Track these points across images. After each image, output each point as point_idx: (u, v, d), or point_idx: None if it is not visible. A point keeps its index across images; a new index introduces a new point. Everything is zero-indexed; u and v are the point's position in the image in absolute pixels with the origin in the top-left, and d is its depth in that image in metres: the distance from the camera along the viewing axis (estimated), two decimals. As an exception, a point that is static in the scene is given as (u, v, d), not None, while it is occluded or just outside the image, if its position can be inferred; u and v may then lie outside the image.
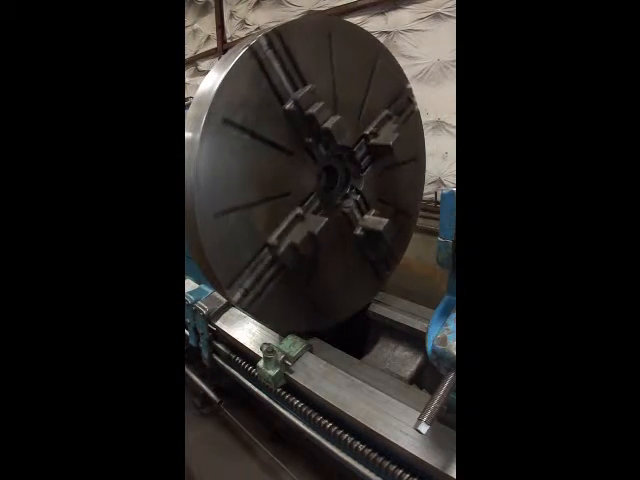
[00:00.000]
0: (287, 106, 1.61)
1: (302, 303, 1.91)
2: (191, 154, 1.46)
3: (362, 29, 1.97)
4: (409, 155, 2.15)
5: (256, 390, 2.00)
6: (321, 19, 1.67)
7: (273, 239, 1.66)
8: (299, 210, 1.72)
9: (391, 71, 2.02)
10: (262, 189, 1.63)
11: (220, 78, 1.46)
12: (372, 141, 1.89)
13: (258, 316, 1.84)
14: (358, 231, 1.94)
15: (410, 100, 2.13)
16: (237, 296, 1.65)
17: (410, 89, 2.13)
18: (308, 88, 1.63)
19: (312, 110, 1.62)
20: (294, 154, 1.70)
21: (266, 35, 1.52)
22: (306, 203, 1.77)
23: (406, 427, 1.40)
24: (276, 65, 1.56)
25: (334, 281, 2.01)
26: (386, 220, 1.88)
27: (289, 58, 1.60)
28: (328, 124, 1.64)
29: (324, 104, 1.64)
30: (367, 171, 1.98)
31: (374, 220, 1.93)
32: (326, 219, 1.72)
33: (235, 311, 2.22)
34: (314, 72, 1.67)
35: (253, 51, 1.50)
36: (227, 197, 1.54)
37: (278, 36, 1.55)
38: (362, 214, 1.97)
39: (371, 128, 1.91)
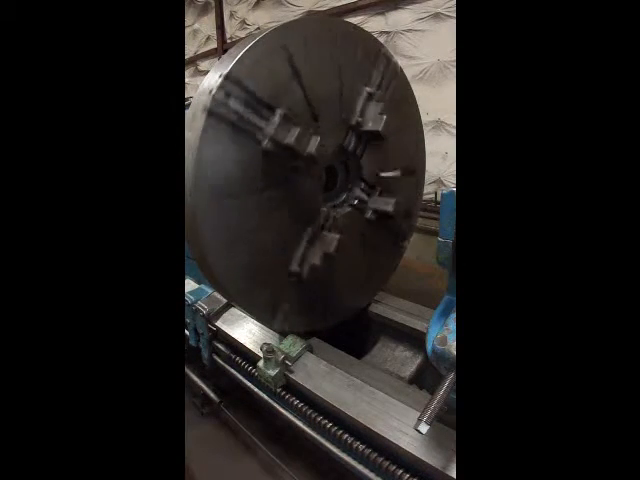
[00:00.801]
0: (264, 145, 1.54)
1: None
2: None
3: (318, 20, 1.86)
4: (400, 122, 2.06)
5: (256, 390, 2.00)
6: (270, 36, 1.51)
7: (295, 267, 1.75)
8: (310, 231, 1.75)
9: (358, 45, 1.82)
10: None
11: (193, 160, 1.42)
12: (361, 129, 1.83)
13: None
14: (369, 214, 1.95)
15: (388, 60, 1.94)
16: (278, 323, 1.80)
17: (385, 51, 1.94)
18: (278, 116, 1.55)
19: (289, 140, 1.55)
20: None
21: (218, 90, 1.42)
22: (315, 222, 1.81)
23: (406, 427, 1.40)
24: (238, 109, 1.47)
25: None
26: (393, 200, 1.90)
27: (248, 95, 1.49)
28: (310, 149, 1.59)
29: (300, 130, 1.56)
30: (364, 156, 1.93)
31: (382, 201, 1.94)
32: (338, 236, 1.75)
33: (235, 311, 2.23)
34: (280, 92, 1.57)
35: (212, 113, 1.42)
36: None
37: (232, 81, 1.44)
38: (369, 195, 1.97)
39: (356, 116, 1.81)
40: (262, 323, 2.02)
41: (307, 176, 1.73)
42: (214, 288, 1.75)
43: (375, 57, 1.89)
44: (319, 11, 4.10)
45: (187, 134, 1.46)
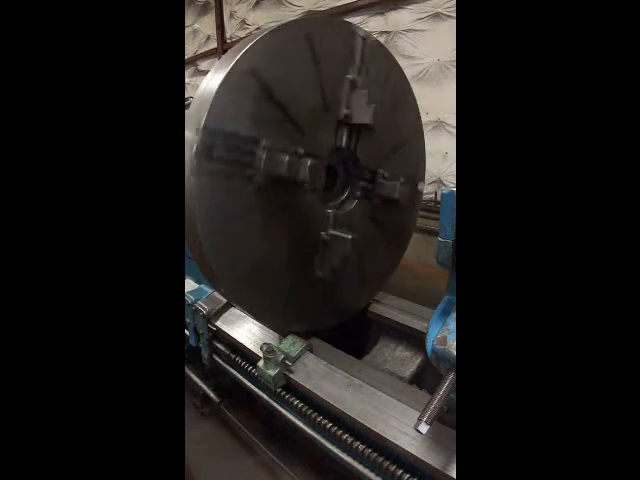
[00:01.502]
0: (256, 183, 1.53)
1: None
2: None
3: (279, 30, 1.56)
4: (390, 99, 2.01)
5: (256, 390, 2.00)
6: (234, 71, 1.41)
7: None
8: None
9: (330, 36, 1.70)
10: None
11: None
12: (350, 122, 1.77)
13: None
14: (375, 200, 1.97)
15: (363, 39, 1.80)
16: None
17: (358, 30, 1.80)
18: (262, 149, 1.51)
19: (280, 171, 1.53)
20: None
21: (199, 147, 1.38)
22: (325, 226, 1.82)
23: (406, 427, 1.40)
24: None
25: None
26: (397, 183, 1.92)
27: (229, 137, 1.44)
28: (303, 175, 1.55)
29: (289, 159, 1.52)
30: (358, 147, 1.89)
31: (388, 185, 1.95)
32: (350, 237, 1.75)
33: (235, 311, 2.23)
34: (259, 120, 1.50)
35: (200, 173, 1.39)
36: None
37: (209, 132, 1.39)
38: (372, 182, 1.97)
39: (343, 109, 1.74)
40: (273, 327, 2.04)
41: (305, 193, 1.73)
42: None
43: (350, 40, 1.76)
44: (319, 11, 4.11)
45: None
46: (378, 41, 1.95)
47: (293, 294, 1.85)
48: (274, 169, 1.54)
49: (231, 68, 1.41)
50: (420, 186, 2.24)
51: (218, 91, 1.39)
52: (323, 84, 1.68)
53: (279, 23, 1.55)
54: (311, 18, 1.83)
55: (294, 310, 1.89)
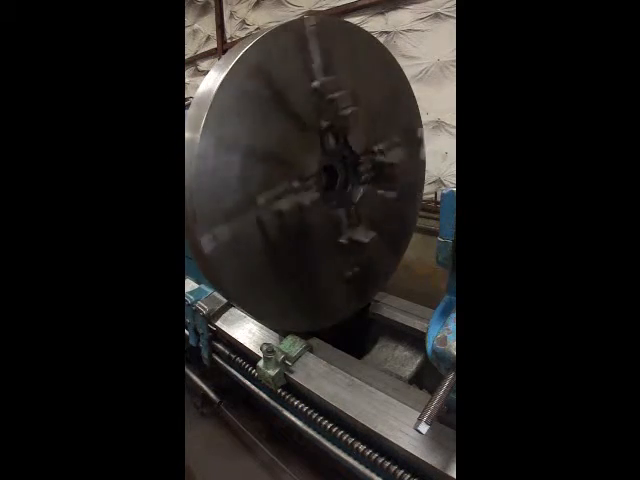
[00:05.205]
0: (314, 84, 1.65)
1: (295, 299, 1.92)
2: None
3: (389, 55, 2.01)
4: (406, 188, 2.16)
5: (256, 390, 2.00)
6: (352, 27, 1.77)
7: (262, 199, 1.59)
8: (296, 183, 1.69)
9: (409, 106, 2.09)
10: (267, 149, 1.60)
11: (259, 36, 1.50)
12: (378, 158, 1.91)
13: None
14: (343, 239, 1.91)
15: (420, 142, 2.18)
16: (206, 239, 1.53)
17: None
18: (334, 77, 1.68)
19: (335, 95, 1.67)
20: (307, 131, 1.71)
21: (310, 18, 1.58)
22: (305, 182, 1.74)
23: (406, 427, 1.40)
24: (314, 45, 1.61)
25: (328, 280, 2.00)
26: (373, 233, 1.91)
27: (327, 44, 1.65)
28: (346, 111, 1.69)
29: (346, 92, 1.69)
30: (366, 187, 1.98)
31: (361, 231, 1.94)
32: (319, 194, 1.76)
33: (235, 311, 2.23)
34: (341, 70, 1.72)
35: (296, 27, 1.57)
36: (231, 141, 1.50)
37: (321, 25, 1.61)
38: (350, 225, 1.94)
39: (381, 146, 1.93)
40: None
41: (320, 143, 1.76)
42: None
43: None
44: (318, 11, 4.10)
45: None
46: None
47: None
48: (331, 90, 1.67)
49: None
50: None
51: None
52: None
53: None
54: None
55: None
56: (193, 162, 1.41)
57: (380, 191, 2.03)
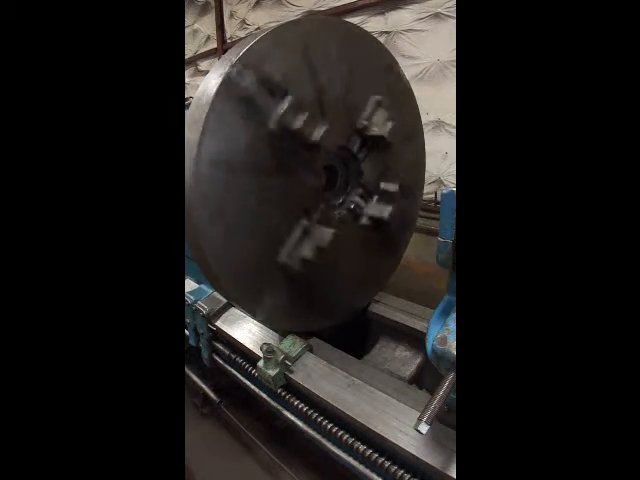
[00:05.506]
0: (271, 127, 1.54)
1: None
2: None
3: (337, 23, 1.88)
4: (404, 134, 2.07)
5: (256, 390, 2.00)
6: (289, 28, 1.56)
7: (284, 258, 1.67)
8: (305, 222, 1.72)
9: (373, 55, 1.90)
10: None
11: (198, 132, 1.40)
12: (366, 134, 1.84)
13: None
14: (364, 220, 1.94)
15: (400, 77, 2.02)
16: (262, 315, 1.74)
17: (396, 65, 2.00)
18: (287, 102, 1.54)
19: (296, 125, 1.56)
20: (289, 173, 1.67)
21: (234, 65, 1.43)
22: (312, 216, 1.77)
23: (406, 427, 1.40)
24: (249, 83, 1.48)
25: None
26: (390, 207, 1.90)
27: (263, 76, 1.50)
28: (316, 137, 1.60)
29: (307, 116, 1.57)
30: (366, 161, 1.93)
31: (379, 208, 1.93)
32: (332, 231, 1.72)
33: (235, 311, 2.23)
34: (294, 81, 1.58)
35: (228, 86, 1.43)
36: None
37: (249, 62, 1.46)
38: (366, 202, 1.96)
39: (363, 121, 1.82)
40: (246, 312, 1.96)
41: (309, 170, 1.73)
42: (208, 279, 1.70)
43: (387, 69, 1.94)
44: (319, 11, 4.10)
45: (198, 100, 1.46)
46: (407, 80, 2.06)
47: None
48: (291, 121, 1.56)
49: (289, 26, 1.55)
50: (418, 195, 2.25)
51: (270, 34, 1.49)
52: (351, 90, 1.77)
53: (349, 24, 1.67)
54: (366, 33, 1.90)
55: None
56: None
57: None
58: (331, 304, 2.05)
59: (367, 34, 1.98)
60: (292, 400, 1.78)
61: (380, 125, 1.82)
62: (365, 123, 1.82)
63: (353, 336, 2.28)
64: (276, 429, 2.39)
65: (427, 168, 2.36)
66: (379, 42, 2.03)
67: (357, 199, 1.95)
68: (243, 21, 5.16)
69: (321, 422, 1.66)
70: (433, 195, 3.55)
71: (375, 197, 1.96)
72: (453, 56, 3.25)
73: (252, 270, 1.66)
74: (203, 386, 2.43)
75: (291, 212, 1.71)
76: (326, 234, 1.71)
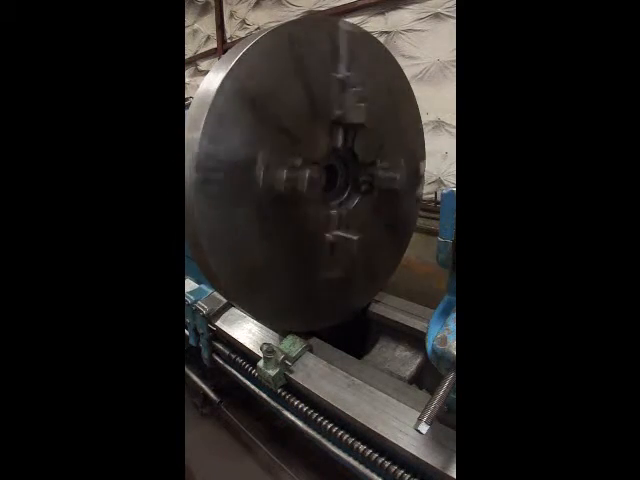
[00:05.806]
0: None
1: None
2: None
3: (258, 42, 1.51)
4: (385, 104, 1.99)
5: (256, 390, 2.00)
6: (221, 91, 1.40)
7: (327, 275, 1.82)
8: (330, 237, 1.78)
9: (314, 35, 1.64)
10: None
11: None
12: (344, 122, 1.75)
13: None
14: (377, 194, 1.95)
15: (351, 34, 1.76)
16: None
17: (343, 25, 1.74)
18: (260, 163, 1.51)
19: (280, 188, 1.55)
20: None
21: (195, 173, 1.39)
22: (329, 228, 1.81)
23: (406, 427, 1.40)
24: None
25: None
26: (397, 175, 1.90)
27: (223, 164, 1.45)
28: (300, 187, 1.58)
29: (287, 172, 1.55)
30: (355, 144, 1.86)
31: (387, 177, 1.92)
32: (356, 238, 1.74)
33: (235, 311, 2.23)
34: (253, 138, 1.50)
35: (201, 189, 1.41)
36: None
37: (206, 159, 1.40)
38: (372, 175, 1.93)
39: (335, 112, 1.72)
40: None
41: (307, 203, 1.71)
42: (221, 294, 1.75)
43: (335, 36, 1.70)
44: (319, 11, 4.10)
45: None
46: (365, 32, 1.93)
47: (296, 295, 1.84)
48: (273, 186, 1.55)
49: (220, 89, 1.40)
50: (422, 167, 2.23)
51: (208, 118, 1.38)
52: (312, 86, 1.64)
53: (272, 31, 1.52)
54: (290, 22, 1.66)
55: (297, 311, 1.89)
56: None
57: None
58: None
59: (289, 24, 1.69)
60: (292, 400, 1.78)
61: (354, 110, 1.71)
62: (339, 113, 1.72)
63: (353, 336, 2.28)
64: (276, 429, 2.39)
65: (427, 168, 2.36)
66: (310, 17, 1.94)
67: (363, 177, 1.93)
68: (243, 21, 5.16)
69: (321, 422, 1.67)
70: (433, 195, 3.55)
71: (378, 164, 1.93)
72: (453, 56, 3.25)
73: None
74: (203, 386, 2.43)
75: (306, 242, 1.75)
76: (352, 244, 1.74)
